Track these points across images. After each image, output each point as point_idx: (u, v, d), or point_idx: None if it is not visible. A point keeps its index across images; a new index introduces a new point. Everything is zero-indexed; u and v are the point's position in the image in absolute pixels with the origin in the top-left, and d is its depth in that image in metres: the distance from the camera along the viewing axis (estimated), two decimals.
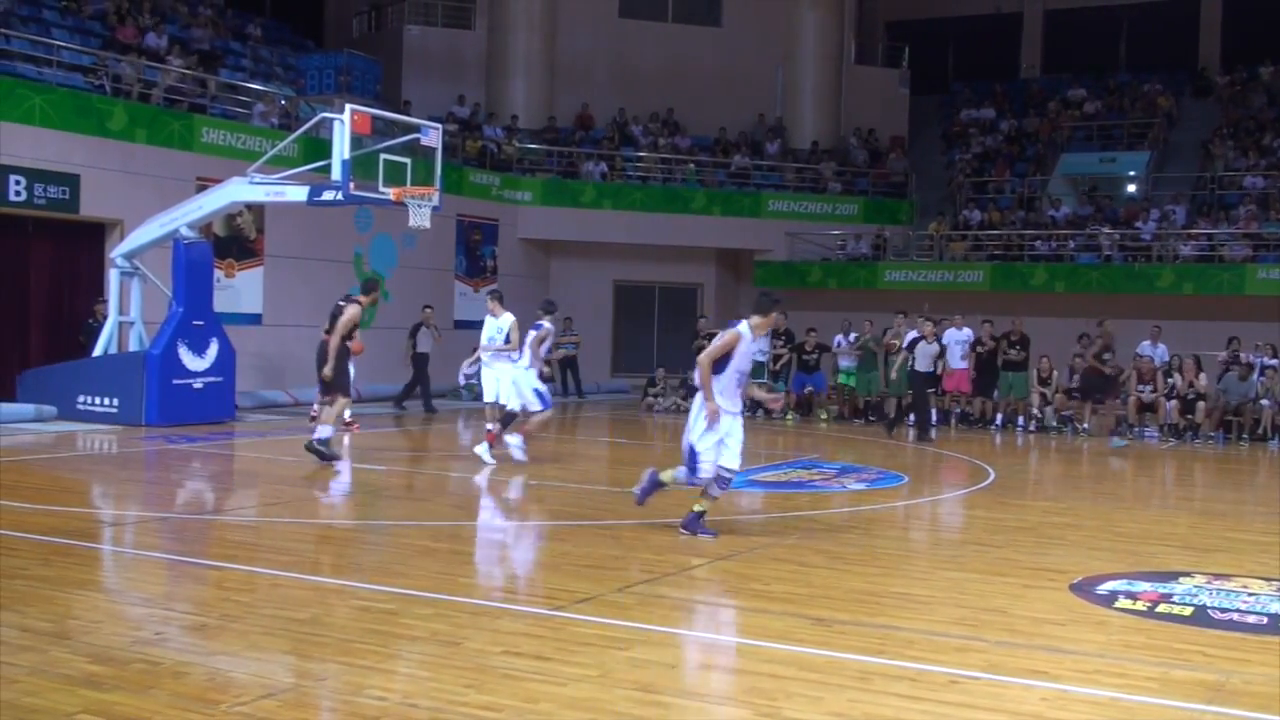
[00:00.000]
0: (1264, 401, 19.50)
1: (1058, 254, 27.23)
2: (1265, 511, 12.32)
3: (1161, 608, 7.43)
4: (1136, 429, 19.87)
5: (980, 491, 12.96)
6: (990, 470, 14.69)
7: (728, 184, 29.43)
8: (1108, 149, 31.15)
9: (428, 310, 20.95)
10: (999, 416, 20.84)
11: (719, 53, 31.13)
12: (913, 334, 19.71)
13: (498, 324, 14.08)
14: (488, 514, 11.56)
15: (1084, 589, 7.89)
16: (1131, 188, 30.42)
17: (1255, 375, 19.83)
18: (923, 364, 19.04)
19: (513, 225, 27.04)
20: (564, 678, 5.60)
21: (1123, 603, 7.56)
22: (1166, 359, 20.24)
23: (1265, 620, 7.19)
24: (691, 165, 29.56)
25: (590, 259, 28.23)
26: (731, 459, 9.21)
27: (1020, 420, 20.62)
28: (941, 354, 19.70)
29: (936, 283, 26.90)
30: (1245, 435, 19.58)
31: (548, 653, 6.01)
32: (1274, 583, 8.24)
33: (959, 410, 21.22)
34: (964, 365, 20.66)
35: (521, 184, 27.44)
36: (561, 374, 24.28)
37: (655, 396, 23.36)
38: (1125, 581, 8.14)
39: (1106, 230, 27.21)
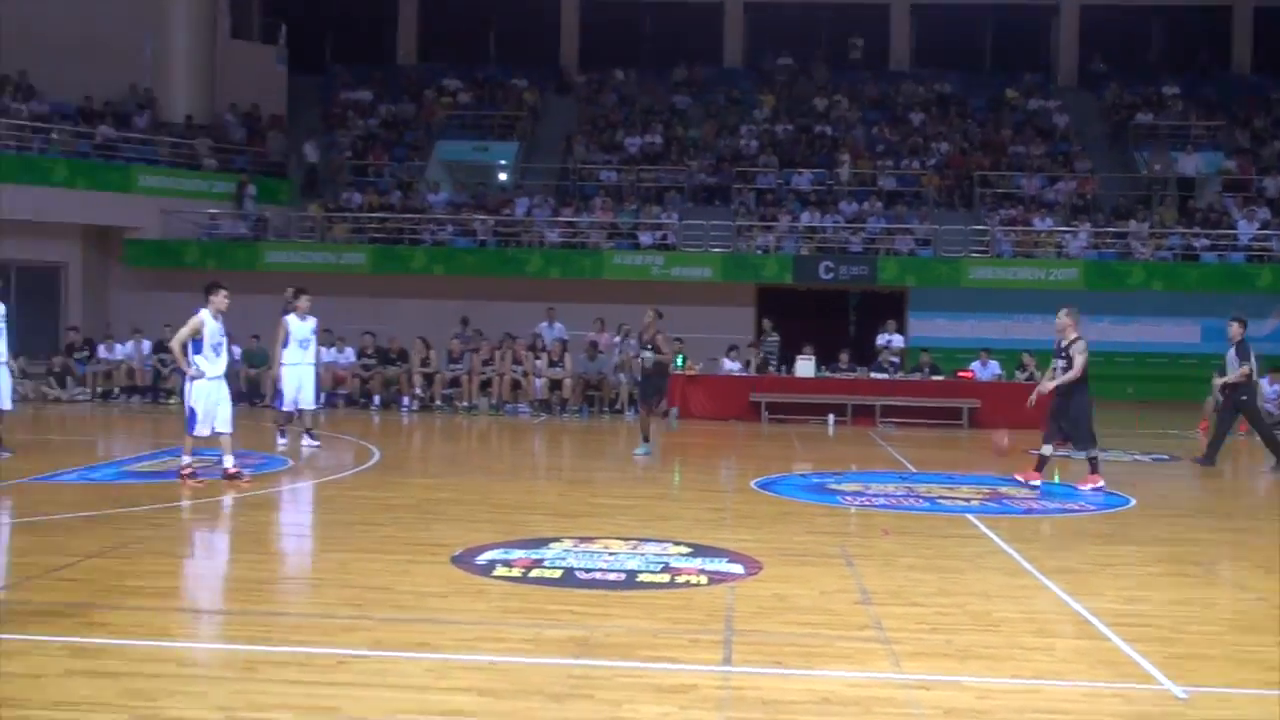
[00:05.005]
0: (621, 376, 21.32)
1: (437, 238, 28.09)
2: (622, 476, 13.52)
3: (534, 572, 7.94)
4: (508, 405, 21.02)
5: (365, 472, 13.14)
6: (375, 450, 14.92)
7: (93, 155, 27.47)
8: (481, 138, 32.54)
9: None
10: (377, 398, 21.26)
11: (83, 14, 28.86)
12: None
13: None
14: None
15: (464, 560, 8.25)
16: (503, 176, 32.02)
17: (615, 354, 21.61)
18: None
19: None
20: None
21: (500, 570, 7.99)
22: (565, 337, 21.69)
23: (623, 576, 7.91)
24: (53, 134, 27.25)
25: None
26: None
27: (405, 400, 21.14)
28: None
29: (320, 264, 26.78)
30: (605, 408, 21.33)
31: None
32: (630, 541, 9.08)
33: (344, 393, 21.39)
34: None
35: None
36: None
37: None
38: (501, 550, 8.61)
39: (480, 216, 28.45)
